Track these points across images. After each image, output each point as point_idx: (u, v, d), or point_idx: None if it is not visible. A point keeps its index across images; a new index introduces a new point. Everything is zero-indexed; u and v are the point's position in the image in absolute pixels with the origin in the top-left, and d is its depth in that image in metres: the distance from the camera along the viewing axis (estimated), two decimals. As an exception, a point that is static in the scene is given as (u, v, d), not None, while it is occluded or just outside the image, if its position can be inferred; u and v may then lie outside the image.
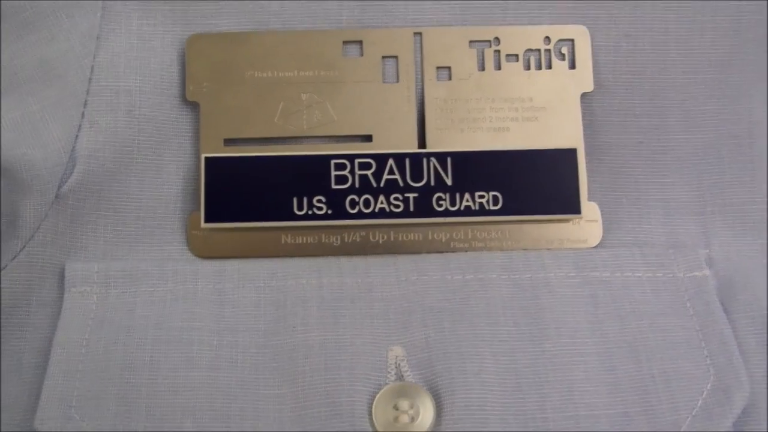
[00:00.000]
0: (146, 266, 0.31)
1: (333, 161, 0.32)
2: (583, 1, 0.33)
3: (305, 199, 0.31)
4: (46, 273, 0.31)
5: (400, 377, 0.29)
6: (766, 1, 0.33)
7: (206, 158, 0.32)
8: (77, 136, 0.31)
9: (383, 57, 0.33)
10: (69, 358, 0.29)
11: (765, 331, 0.31)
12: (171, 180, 0.32)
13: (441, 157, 0.32)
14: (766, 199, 0.33)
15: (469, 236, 0.32)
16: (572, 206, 0.32)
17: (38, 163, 0.31)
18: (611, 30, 0.33)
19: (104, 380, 0.29)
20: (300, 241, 0.32)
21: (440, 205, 0.32)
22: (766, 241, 0.33)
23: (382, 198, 0.32)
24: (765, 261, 0.33)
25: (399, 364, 0.29)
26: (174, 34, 0.33)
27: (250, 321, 0.30)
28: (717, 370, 0.30)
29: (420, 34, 0.33)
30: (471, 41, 0.33)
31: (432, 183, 0.32)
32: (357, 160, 0.32)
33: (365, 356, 0.29)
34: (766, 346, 0.31)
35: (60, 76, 0.32)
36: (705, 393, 0.29)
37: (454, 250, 0.32)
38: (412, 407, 0.28)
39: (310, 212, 0.31)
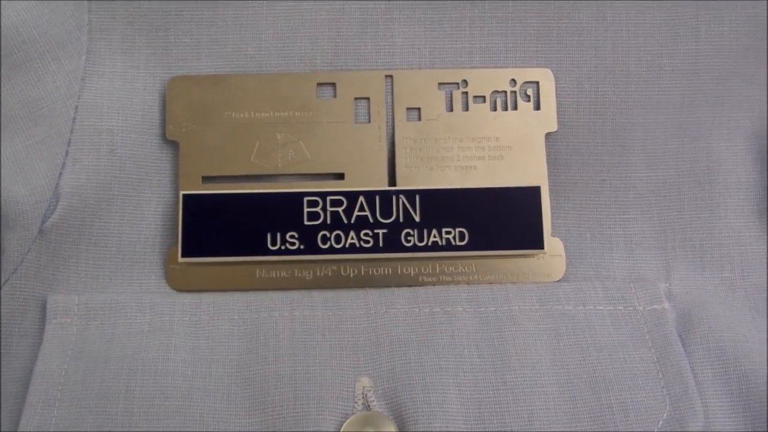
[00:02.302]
0: (125, 299, 0.32)
1: (306, 198, 0.33)
2: (548, 45, 0.34)
3: (278, 235, 0.32)
4: (29, 305, 0.32)
5: (366, 407, 0.30)
6: (723, 45, 0.34)
7: (184, 195, 0.33)
8: (61, 173, 0.33)
9: (355, 98, 0.34)
10: (48, 388, 0.30)
11: (721, 363, 0.32)
12: (150, 216, 0.33)
13: (409, 194, 0.33)
14: (723, 235, 0.34)
15: (437, 270, 0.33)
16: (536, 242, 0.33)
17: (23, 199, 0.32)
18: (574, 72, 0.34)
19: (81, 409, 0.30)
20: (273, 275, 0.33)
21: (408, 241, 0.33)
22: (723, 276, 0.34)
23: (352, 234, 0.33)
24: (722, 295, 0.34)
25: (366, 394, 0.30)
26: (156, 76, 0.34)
27: (223, 352, 0.31)
28: (673, 401, 0.30)
29: (391, 76, 0.34)
30: (440, 83, 0.34)
31: (401, 219, 0.33)
32: (329, 197, 0.33)
33: (333, 386, 0.30)
34: (721, 378, 0.31)
35: (46, 116, 0.33)
36: (660, 422, 0.30)
37: (422, 284, 0.33)
38: (377, 436, 0.29)
39: (283, 247, 0.32)
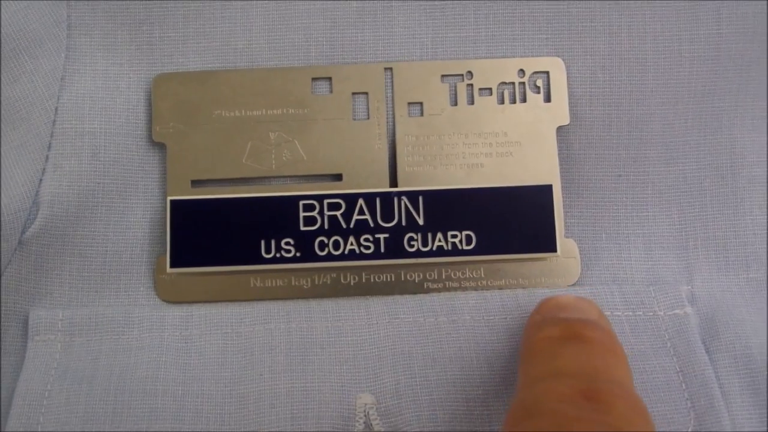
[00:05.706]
0: (112, 313, 0.30)
1: (301, 202, 0.31)
2: (558, 32, 0.32)
3: (273, 242, 0.31)
4: (10, 321, 0.30)
5: (368, 426, 0.28)
6: (746, 28, 0.32)
7: (172, 201, 0.31)
8: (41, 180, 0.31)
9: (353, 93, 0.32)
10: (30, 411, 0.28)
11: (748, 372, 0.30)
12: (137, 223, 0.32)
13: (412, 195, 0.31)
14: (749, 233, 0.32)
15: (443, 276, 0.31)
16: (548, 244, 0.31)
17: (1, 208, 0.30)
18: (587, 61, 0.32)
19: (65, 433, 0.28)
20: (269, 285, 0.31)
21: (412, 246, 0.31)
22: (749, 276, 0.32)
23: (352, 239, 0.31)
24: (748, 297, 0.32)
25: (368, 412, 0.29)
26: (140, 74, 0.32)
27: (215, 369, 0.29)
28: (698, 414, 0.29)
29: (390, 69, 0.32)
30: (443, 75, 0.32)
31: (403, 223, 0.31)
32: (326, 201, 0.31)
33: (333, 404, 0.29)
34: (749, 388, 0.30)
35: (23, 118, 0.31)
36: (685, 438, 0.28)
37: (427, 291, 0.31)
38: (379, 459, 0.28)
39: (278, 255, 0.31)
